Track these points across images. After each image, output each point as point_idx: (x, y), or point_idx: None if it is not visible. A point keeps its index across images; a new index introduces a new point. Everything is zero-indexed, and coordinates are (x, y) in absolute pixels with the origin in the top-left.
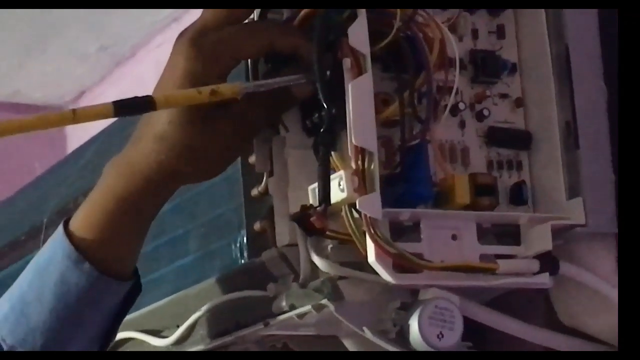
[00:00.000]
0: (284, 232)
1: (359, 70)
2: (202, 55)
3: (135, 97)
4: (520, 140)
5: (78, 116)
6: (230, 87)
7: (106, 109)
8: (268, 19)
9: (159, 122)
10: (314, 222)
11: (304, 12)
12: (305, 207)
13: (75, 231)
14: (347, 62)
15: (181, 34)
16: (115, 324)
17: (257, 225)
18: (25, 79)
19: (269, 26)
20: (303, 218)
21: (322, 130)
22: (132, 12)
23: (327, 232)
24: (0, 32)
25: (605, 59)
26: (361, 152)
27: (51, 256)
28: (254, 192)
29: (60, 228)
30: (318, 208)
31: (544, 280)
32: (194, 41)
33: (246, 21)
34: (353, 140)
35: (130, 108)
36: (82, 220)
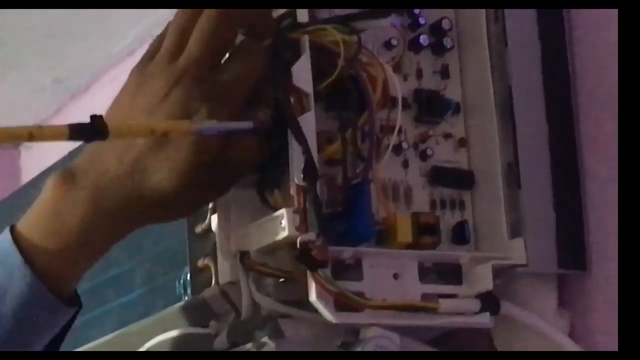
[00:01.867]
0: (226, 269)
1: (302, 109)
2: (212, 99)
3: (92, 123)
4: (463, 179)
5: (34, 135)
6: (181, 127)
7: (61, 131)
8: (249, 46)
9: (156, 171)
10: (317, 256)
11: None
12: (304, 243)
13: (36, 259)
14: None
15: (178, 72)
16: (59, 344)
17: (200, 262)
18: None
19: (259, 51)
20: (305, 255)
21: (305, 165)
22: (87, 45)
23: (268, 270)
24: None
25: (548, 98)
26: (303, 190)
27: (8, 282)
28: (198, 229)
29: (17, 255)
30: (317, 241)
31: (485, 320)
32: (203, 84)
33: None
34: (295, 179)
35: (85, 133)
36: (44, 249)
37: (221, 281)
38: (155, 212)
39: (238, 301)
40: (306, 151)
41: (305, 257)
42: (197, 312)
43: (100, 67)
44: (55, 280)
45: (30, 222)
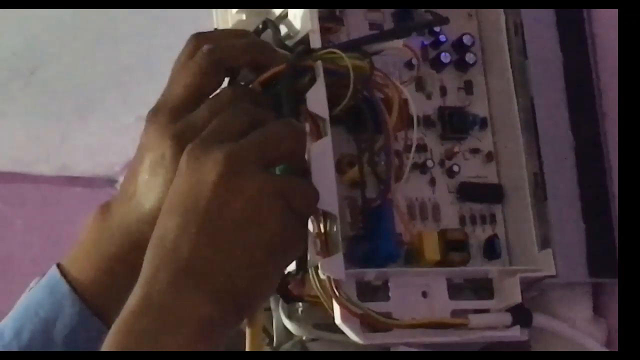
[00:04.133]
0: None
1: (318, 134)
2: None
3: None
4: (492, 194)
5: None
6: None
7: None
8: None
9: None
10: (292, 290)
11: (265, 76)
12: (286, 275)
13: (81, 288)
14: (306, 127)
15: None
16: None
17: None
18: (70, 153)
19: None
20: (281, 286)
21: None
22: (162, 82)
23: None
24: (39, 109)
25: (572, 108)
26: (323, 214)
27: (59, 310)
28: None
29: (65, 284)
30: (296, 276)
31: (516, 333)
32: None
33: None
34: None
35: None
36: (86, 278)
37: None
38: None
39: (270, 327)
40: None
41: (281, 289)
42: (231, 339)
43: None
44: (98, 307)
45: (74, 254)
